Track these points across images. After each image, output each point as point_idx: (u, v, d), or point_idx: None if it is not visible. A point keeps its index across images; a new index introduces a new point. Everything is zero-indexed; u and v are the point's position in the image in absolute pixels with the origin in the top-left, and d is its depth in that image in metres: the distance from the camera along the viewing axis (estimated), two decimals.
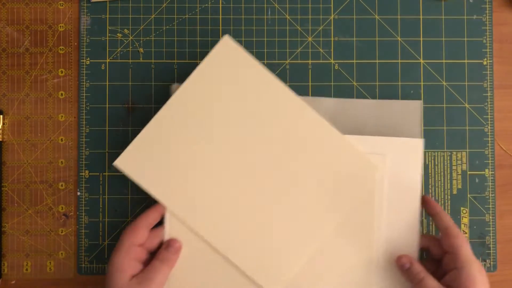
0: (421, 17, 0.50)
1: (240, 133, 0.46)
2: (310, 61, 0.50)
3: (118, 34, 0.50)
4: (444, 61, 0.50)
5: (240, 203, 0.45)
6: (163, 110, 0.45)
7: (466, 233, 0.49)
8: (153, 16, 0.50)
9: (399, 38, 0.50)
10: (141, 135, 0.45)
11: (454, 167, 0.50)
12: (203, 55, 0.50)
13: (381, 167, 0.46)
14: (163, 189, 0.45)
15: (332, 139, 0.46)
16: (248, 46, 0.50)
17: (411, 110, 0.49)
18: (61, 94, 0.50)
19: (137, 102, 0.50)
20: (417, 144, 0.46)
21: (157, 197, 0.45)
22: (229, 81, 0.46)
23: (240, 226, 0.45)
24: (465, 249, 0.43)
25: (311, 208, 0.46)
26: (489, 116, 0.50)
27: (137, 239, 0.43)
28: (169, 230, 0.45)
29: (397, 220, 0.46)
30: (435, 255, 0.45)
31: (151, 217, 0.44)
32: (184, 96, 0.46)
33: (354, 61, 0.50)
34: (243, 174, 0.46)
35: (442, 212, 0.45)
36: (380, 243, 0.46)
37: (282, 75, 0.50)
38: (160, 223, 0.45)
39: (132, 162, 0.45)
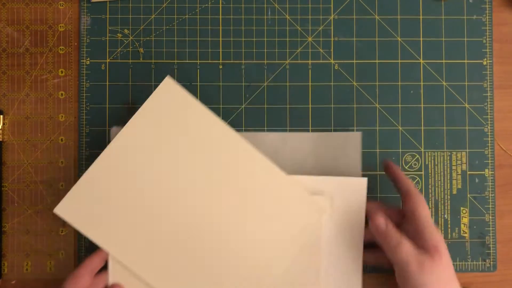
0: (421, 17, 0.50)
1: (182, 175, 0.45)
2: (310, 61, 0.50)
3: (118, 34, 0.50)
4: (444, 61, 0.50)
5: (183, 246, 0.45)
6: (104, 155, 0.45)
7: (466, 233, 0.49)
8: (153, 16, 0.50)
9: (399, 38, 0.50)
10: (81, 181, 0.45)
11: (454, 167, 0.50)
12: (203, 55, 0.50)
13: (327, 208, 0.46)
14: (105, 235, 0.45)
15: (277, 181, 0.46)
16: (248, 46, 0.50)
17: (351, 142, 0.48)
18: (61, 94, 0.50)
19: (137, 102, 0.50)
20: (361, 183, 0.46)
21: (98, 243, 0.45)
22: (171, 123, 0.45)
23: (183, 270, 0.45)
24: (426, 214, 0.41)
25: (257, 252, 0.45)
26: (489, 116, 0.50)
27: (80, 286, 0.42)
28: (113, 275, 0.45)
29: (342, 259, 0.46)
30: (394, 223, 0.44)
31: (94, 262, 0.44)
32: (125, 139, 0.45)
33: (354, 61, 0.50)
34: (186, 217, 0.45)
35: (403, 176, 0.44)
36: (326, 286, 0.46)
37: (282, 75, 0.50)
38: (105, 267, 0.45)
39: (72, 208, 0.45)
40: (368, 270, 0.48)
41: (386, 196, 0.50)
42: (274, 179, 0.45)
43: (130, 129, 0.45)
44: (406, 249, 0.40)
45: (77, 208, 0.45)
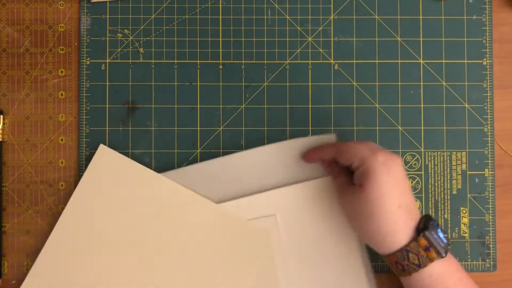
0: (421, 17, 0.50)
1: (133, 236, 0.47)
2: (310, 61, 0.50)
3: (118, 34, 0.50)
4: (444, 61, 0.50)
5: None
6: (52, 236, 0.47)
7: (466, 233, 0.49)
8: (153, 16, 0.50)
9: (399, 38, 0.50)
10: (33, 269, 0.46)
11: (454, 167, 0.50)
12: (203, 55, 0.50)
13: (275, 227, 0.47)
14: None
15: (221, 218, 0.47)
16: (248, 46, 0.50)
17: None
18: (61, 94, 0.50)
19: (137, 102, 0.50)
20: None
21: None
22: (113, 187, 0.47)
23: None
24: (360, 151, 0.41)
25: None
26: (489, 116, 0.50)
27: None
28: None
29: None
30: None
31: None
32: (70, 215, 0.47)
33: (354, 61, 0.50)
34: (143, 279, 0.46)
35: (322, 150, 0.45)
36: None
37: (282, 75, 0.50)
38: None
39: None
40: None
41: None
42: (220, 218, 0.47)
43: (74, 204, 0.47)
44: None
45: None
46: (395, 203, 0.40)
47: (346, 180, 0.44)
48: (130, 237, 0.47)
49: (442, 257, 0.39)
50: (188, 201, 0.47)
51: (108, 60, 0.50)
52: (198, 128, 0.50)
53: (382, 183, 0.40)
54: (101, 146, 0.48)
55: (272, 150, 0.48)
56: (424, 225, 0.40)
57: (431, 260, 0.39)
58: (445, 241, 0.40)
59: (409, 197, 0.41)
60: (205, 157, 0.49)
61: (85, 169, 0.49)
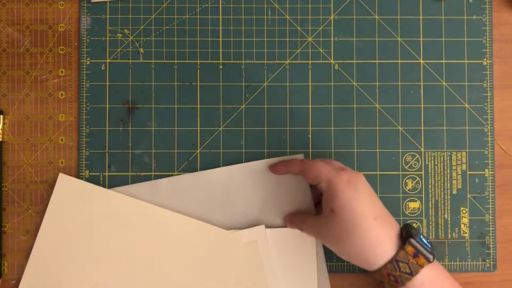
0: (421, 17, 0.50)
1: (110, 254, 0.47)
2: (310, 61, 0.50)
3: (118, 34, 0.50)
4: (444, 61, 0.50)
5: None
6: (28, 268, 0.47)
7: (466, 233, 0.49)
8: (153, 16, 0.50)
9: (399, 38, 0.50)
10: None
11: (454, 167, 0.50)
12: (203, 55, 0.50)
13: (263, 237, 0.46)
14: None
15: (201, 232, 0.46)
16: (248, 46, 0.50)
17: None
18: (61, 94, 0.50)
19: (137, 102, 0.50)
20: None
21: None
22: (80, 213, 0.47)
23: None
24: (325, 171, 0.42)
25: None
26: (489, 116, 0.50)
27: None
28: None
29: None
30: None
31: None
32: (41, 248, 0.47)
33: (354, 61, 0.50)
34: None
35: (290, 163, 0.45)
36: None
37: (282, 75, 0.50)
38: None
39: None
40: (363, 270, 0.48)
41: (387, 196, 0.49)
42: (202, 231, 0.46)
43: (44, 233, 0.47)
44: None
45: None
46: (370, 217, 0.40)
47: (312, 219, 0.44)
48: (107, 255, 0.47)
49: (430, 262, 0.40)
50: (162, 217, 0.47)
51: (108, 60, 0.50)
52: (198, 128, 0.50)
53: (351, 202, 0.40)
54: (61, 175, 0.48)
55: (244, 169, 0.48)
56: (406, 233, 0.41)
57: (421, 266, 0.39)
58: (429, 245, 0.40)
59: (382, 209, 0.41)
60: (205, 156, 0.49)
61: (85, 169, 0.49)
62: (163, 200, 0.48)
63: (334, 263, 0.49)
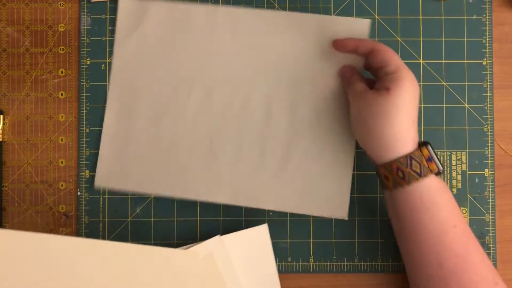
0: (421, 17, 0.50)
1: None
2: None
3: None
4: (444, 61, 0.50)
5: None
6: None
7: None
8: None
9: (399, 38, 0.50)
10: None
11: (454, 167, 0.50)
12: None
13: (220, 247, 0.44)
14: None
15: (160, 256, 0.43)
16: None
17: (357, 32, 0.48)
18: (61, 94, 0.50)
19: None
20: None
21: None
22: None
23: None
24: (396, 59, 0.43)
25: None
26: (489, 116, 0.50)
27: None
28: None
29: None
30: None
31: None
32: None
33: None
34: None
35: (360, 41, 0.45)
36: None
37: None
38: None
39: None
40: (368, 270, 0.49)
41: None
42: (157, 255, 0.43)
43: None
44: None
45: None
46: (412, 114, 0.42)
47: (364, 87, 0.44)
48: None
49: (440, 172, 0.42)
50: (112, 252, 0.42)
51: (108, 60, 0.50)
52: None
53: (409, 92, 0.41)
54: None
55: (287, 17, 0.49)
56: (424, 142, 0.43)
57: (432, 171, 0.41)
58: (441, 165, 0.42)
59: (416, 119, 0.43)
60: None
61: (85, 169, 0.49)
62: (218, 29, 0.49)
63: (334, 263, 0.49)
